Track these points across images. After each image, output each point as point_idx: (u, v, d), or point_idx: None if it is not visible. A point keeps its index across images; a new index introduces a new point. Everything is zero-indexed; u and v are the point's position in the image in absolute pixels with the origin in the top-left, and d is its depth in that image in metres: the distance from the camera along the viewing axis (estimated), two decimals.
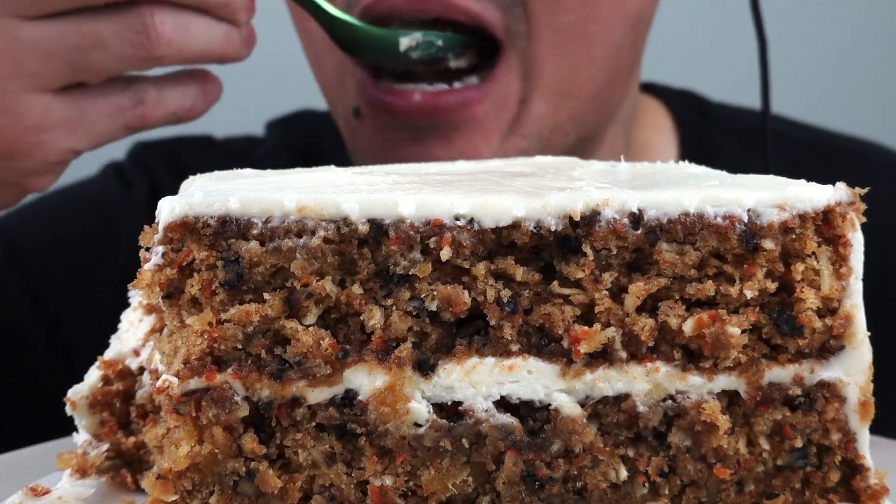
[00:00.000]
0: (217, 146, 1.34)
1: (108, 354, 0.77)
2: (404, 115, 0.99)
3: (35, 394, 1.16)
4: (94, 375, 0.76)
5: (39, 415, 0.89)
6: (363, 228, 0.64)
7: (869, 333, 0.67)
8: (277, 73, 1.76)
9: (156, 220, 0.65)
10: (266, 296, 0.65)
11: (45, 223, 1.26)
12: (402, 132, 1.01)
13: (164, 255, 0.65)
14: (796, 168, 1.26)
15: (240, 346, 0.65)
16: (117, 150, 1.32)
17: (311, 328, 0.65)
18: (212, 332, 0.64)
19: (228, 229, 0.64)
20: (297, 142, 1.31)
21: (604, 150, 1.15)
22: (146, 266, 0.65)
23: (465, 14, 0.97)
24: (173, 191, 1.27)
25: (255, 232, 0.64)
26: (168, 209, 0.64)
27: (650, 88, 1.32)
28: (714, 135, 1.27)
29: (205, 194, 0.64)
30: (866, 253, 0.66)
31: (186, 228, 0.64)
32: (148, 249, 0.66)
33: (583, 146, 1.11)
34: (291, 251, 0.64)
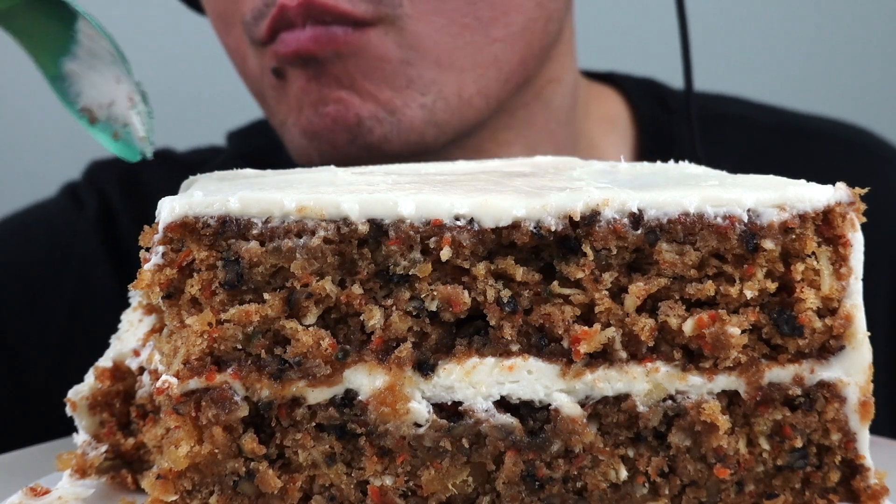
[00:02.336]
0: (174, 160, 1.33)
1: (109, 354, 0.77)
2: (303, 50, 0.99)
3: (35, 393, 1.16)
4: (94, 376, 0.76)
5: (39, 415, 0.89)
6: (363, 228, 0.64)
7: (869, 334, 0.67)
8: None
9: (156, 220, 0.65)
10: (266, 296, 0.65)
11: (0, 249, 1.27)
12: (303, 70, 1.01)
13: (163, 254, 0.65)
14: (761, 152, 1.26)
15: (240, 347, 0.65)
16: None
17: (311, 328, 0.65)
18: (211, 332, 0.64)
19: (228, 229, 0.64)
20: (253, 150, 1.30)
21: (541, 139, 1.13)
22: (146, 266, 0.65)
23: (331, 14, 0.98)
24: (125, 209, 1.27)
25: (255, 232, 0.64)
26: (168, 209, 0.64)
27: (608, 78, 1.31)
28: (675, 123, 1.25)
29: (205, 194, 0.64)
30: None
31: (186, 228, 0.64)
32: (148, 249, 0.66)
33: (508, 126, 1.10)
34: (291, 251, 0.64)
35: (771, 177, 0.70)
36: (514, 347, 0.66)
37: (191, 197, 0.64)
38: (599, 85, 1.29)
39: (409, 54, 1.00)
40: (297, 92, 1.02)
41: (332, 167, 0.80)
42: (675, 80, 1.34)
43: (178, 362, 0.64)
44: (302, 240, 0.64)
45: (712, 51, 1.21)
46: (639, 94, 1.28)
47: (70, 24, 0.65)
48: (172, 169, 1.28)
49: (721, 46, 1.18)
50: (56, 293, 1.22)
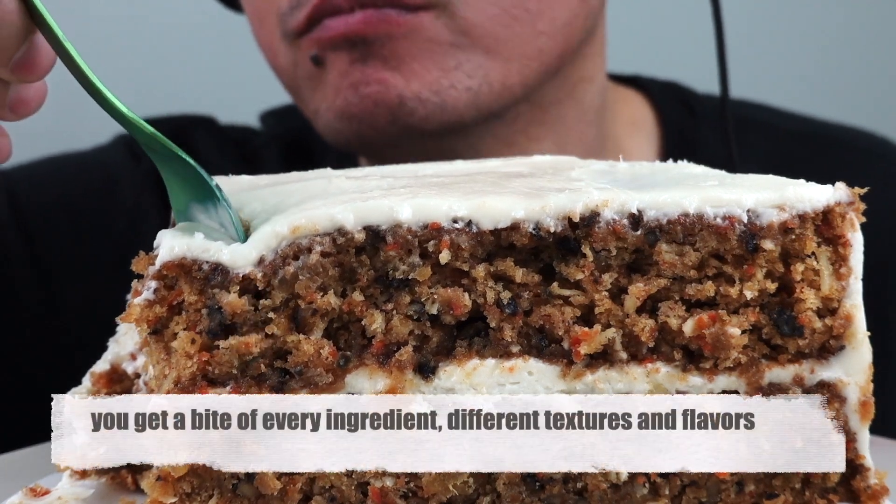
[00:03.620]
0: (220, 129, 1.34)
1: (107, 357, 0.77)
2: (351, 33, 1.00)
3: (33, 390, 1.16)
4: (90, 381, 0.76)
5: (39, 414, 0.89)
6: (359, 236, 0.64)
7: (869, 333, 0.67)
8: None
9: (154, 252, 0.65)
10: (271, 315, 0.64)
11: (50, 181, 1.26)
12: (348, 53, 1.01)
13: (155, 290, 0.64)
14: (782, 158, 1.26)
15: (235, 371, 0.65)
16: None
17: (311, 337, 0.65)
18: (202, 356, 0.64)
19: (215, 278, 0.64)
20: (289, 132, 1.31)
21: (572, 137, 1.14)
22: (136, 300, 0.65)
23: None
24: None
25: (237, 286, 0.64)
26: (168, 247, 0.64)
27: (633, 81, 1.31)
28: (699, 127, 1.26)
29: (205, 235, 0.64)
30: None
31: (182, 269, 0.64)
32: (140, 277, 0.66)
33: (540, 121, 1.11)
34: (294, 276, 0.64)
35: (770, 177, 0.69)
36: (515, 349, 0.66)
37: (192, 237, 0.64)
38: (625, 88, 1.29)
39: (460, 39, 1.01)
40: (336, 75, 1.02)
41: (328, 169, 0.79)
42: (690, 82, 1.34)
43: (169, 384, 0.64)
44: (300, 260, 0.64)
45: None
46: (663, 97, 1.28)
47: (213, 193, 0.66)
48: (219, 138, 1.28)
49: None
50: (105, 231, 1.22)
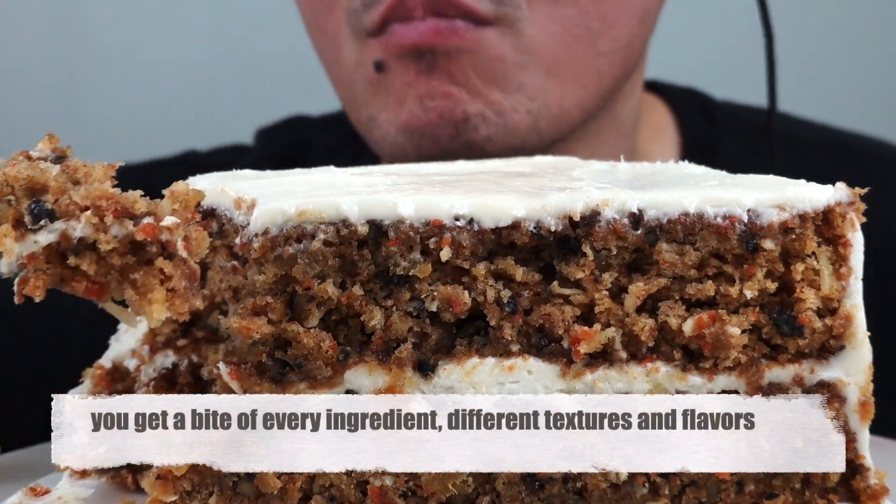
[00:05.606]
0: (198, 164, 1.32)
1: (108, 356, 0.77)
2: (423, 44, 1.00)
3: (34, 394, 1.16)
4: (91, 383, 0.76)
5: (39, 414, 0.90)
6: (363, 230, 0.64)
7: (869, 333, 0.67)
8: (275, 77, 1.76)
9: None
10: (268, 299, 0.64)
11: None
12: (415, 64, 1.01)
13: None
14: (804, 167, 1.26)
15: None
16: None
17: (312, 330, 0.65)
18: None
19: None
20: (282, 149, 1.30)
21: (604, 151, 1.14)
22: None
23: (454, 7, 0.98)
24: None
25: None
26: None
27: (653, 87, 1.31)
28: (718, 134, 1.26)
29: None
30: (873, 253, 0.66)
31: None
32: None
33: (578, 137, 1.11)
34: (293, 258, 0.64)
35: (771, 177, 0.70)
36: (515, 348, 0.66)
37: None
38: (647, 94, 1.29)
39: (524, 58, 1.01)
40: (401, 86, 1.02)
41: (332, 167, 0.80)
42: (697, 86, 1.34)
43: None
44: (302, 244, 0.64)
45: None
46: (683, 104, 1.29)
47: None
48: (196, 173, 1.28)
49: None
50: (76, 312, 1.23)
